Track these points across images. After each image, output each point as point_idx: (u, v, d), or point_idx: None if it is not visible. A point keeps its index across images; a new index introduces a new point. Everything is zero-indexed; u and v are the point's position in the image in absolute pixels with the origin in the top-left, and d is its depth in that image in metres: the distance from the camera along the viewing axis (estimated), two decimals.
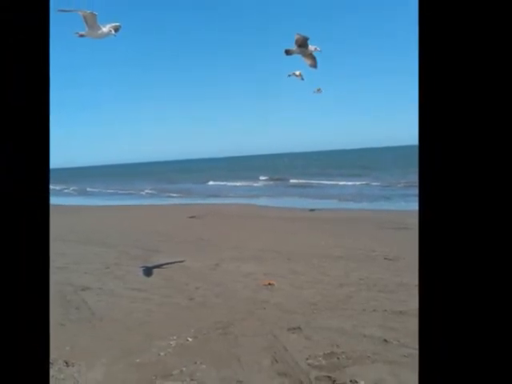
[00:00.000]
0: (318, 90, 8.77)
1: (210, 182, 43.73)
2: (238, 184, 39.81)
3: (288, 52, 6.98)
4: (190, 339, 4.90)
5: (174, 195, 32.24)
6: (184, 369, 4.20)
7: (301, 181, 38.52)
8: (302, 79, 8.03)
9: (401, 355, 4.31)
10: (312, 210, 18.14)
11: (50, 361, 4.11)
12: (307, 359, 4.29)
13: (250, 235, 12.05)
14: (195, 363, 4.30)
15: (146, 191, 37.03)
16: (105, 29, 5.46)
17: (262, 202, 24.35)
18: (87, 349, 4.75)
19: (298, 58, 7.12)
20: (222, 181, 43.47)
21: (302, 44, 6.80)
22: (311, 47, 6.87)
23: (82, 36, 5.49)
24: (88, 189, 44.47)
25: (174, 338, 4.94)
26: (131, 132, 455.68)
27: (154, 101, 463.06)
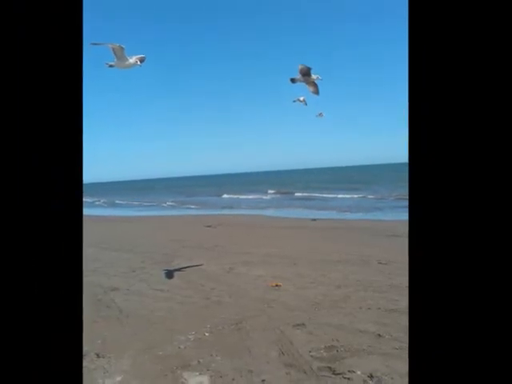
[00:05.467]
0: (320, 114, 8.75)
1: (224, 195, 43.59)
2: (249, 197, 39.63)
3: (293, 80, 7.01)
4: (206, 334, 4.89)
5: (193, 207, 32.18)
6: (201, 360, 4.19)
7: (304, 194, 38.33)
8: (306, 104, 8.05)
9: (393, 348, 4.27)
10: (314, 219, 18.04)
11: (83, 353, 4.12)
12: (310, 352, 4.27)
13: (259, 242, 12.00)
14: (211, 355, 4.29)
15: (168, 203, 37.00)
16: (131, 60, 5.42)
17: (270, 212, 24.20)
18: (116, 342, 4.75)
19: (301, 85, 7.15)
20: (235, 194, 43.24)
21: (306, 73, 6.83)
22: (313, 76, 6.90)
23: (111, 66, 5.48)
24: (116, 201, 44.60)
25: (193, 332, 4.93)
26: (152, 150, 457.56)
27: (175, 124, 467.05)
